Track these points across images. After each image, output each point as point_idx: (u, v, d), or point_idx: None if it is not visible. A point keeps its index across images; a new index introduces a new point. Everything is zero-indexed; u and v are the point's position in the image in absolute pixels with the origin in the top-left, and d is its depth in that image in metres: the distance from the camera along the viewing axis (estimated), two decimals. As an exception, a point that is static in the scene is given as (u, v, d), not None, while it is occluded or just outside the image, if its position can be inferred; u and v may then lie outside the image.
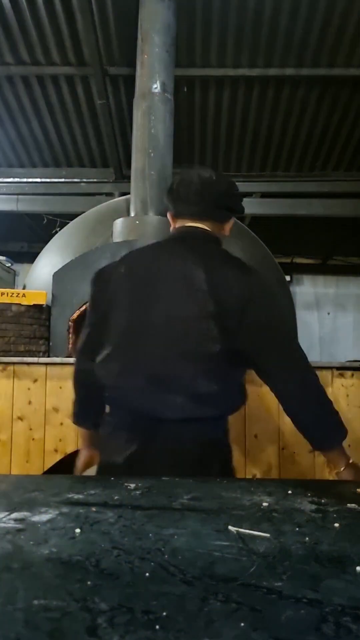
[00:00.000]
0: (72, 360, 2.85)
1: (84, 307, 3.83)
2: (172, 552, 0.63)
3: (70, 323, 3.84)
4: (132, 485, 0.97)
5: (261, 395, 2.21)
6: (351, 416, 2.53)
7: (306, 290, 8.67)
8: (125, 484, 0.99)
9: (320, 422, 1.33)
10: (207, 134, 6.09)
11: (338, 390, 2.54)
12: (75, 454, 1.53)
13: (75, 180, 6.59)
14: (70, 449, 2.53)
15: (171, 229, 1.49)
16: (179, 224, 1.46)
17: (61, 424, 2.56)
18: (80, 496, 0.90)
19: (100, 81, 5.22)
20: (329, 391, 2.54)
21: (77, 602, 0.49)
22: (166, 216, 1.50)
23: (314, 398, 1.32)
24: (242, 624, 0.45)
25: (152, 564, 0.59)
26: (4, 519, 0.75)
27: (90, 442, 1.60)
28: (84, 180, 6.59)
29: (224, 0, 4.64)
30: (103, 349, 1.35)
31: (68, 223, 5.17)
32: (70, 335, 3.85)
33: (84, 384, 1.47)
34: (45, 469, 2.53)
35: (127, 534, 0.70)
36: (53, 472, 2.49)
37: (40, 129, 6.05)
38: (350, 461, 1.29)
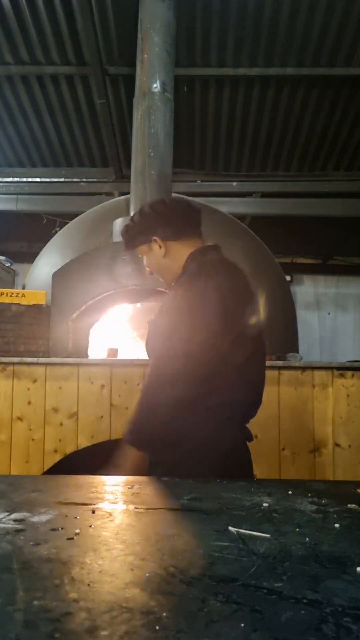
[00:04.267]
0: (76, 360, 2.86)
1: (83, 307, 3.83)
2: (172, 553, 0.63)
3: (70, 323, 3.84)
4: (132, 486, 0.97)
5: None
6: (351, 416, 2.53)
7: (306, 290, 8.67)
8: (125, 484, 0.99)
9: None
10: (207, 134, 6.09)
11: (338, 390, 2.55)
12: (75, 454, 1.52)
13: (75, 180, 6.59)
14: (70, 449, 2.53)
15: (180, 250, 1.54)
16: (191, 245, 1.54)
17: (61, 424, 2.56)
18: (80, 497, 0.90)
19: (100, 81, 5.22)
20: (329, 391, 2.55)
21: (77, 602, 0.49)
22: None
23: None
24: (242, 625, 0.45)
25: (152, 564, 0.59)
26: (4, 519, 0.75)
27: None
28: (84, 180, 6.59)
29: (224, 0, 4.64)
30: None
31: (68, 223, 5.17)
32: (70, 336, 3.85)
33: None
34: (45, 469, 2.53)
35: (127, 535, 0.70)
36: (53, 472, 2.49)
37: (40, 128, 6.05)
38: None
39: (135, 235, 1.59)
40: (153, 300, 3.99)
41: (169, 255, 1.55)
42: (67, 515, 0.77)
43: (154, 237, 1.54)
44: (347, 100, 5.64)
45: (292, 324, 4.61)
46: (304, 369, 2.57)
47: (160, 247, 1.54)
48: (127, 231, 1.61)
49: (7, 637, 0.42)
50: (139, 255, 1.62)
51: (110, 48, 5.13)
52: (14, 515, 0.76)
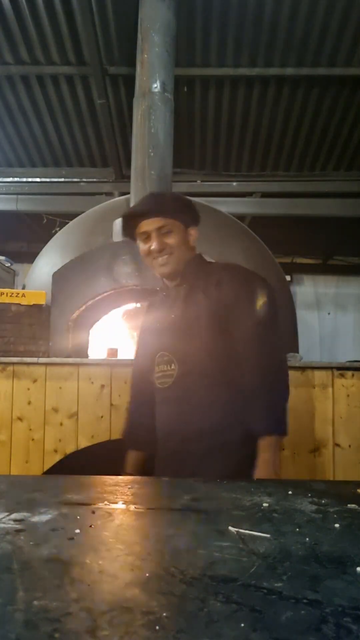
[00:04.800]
0: (76, 360, 2.86)
1: (83, 307, 3.83)
2: (172, 553, 0.63)
3: (69, 323, 3.83)
4: (132, 486, 0.97)
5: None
6: (351, 416, 2.53)
7: (306, 290, 8.67)
8: (126, 484, 0.99)
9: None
10: (207, 134, 6.09)
11: (338, 390, 2.55)
12: (75, 454, 1.53)
13: (75, 180, 6.59)
14: (70, 449, 2.53)
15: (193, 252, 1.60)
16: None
17: (61, 424, 2.56)
18: (80, 497, 0.90)
19: (100, 81, 5.22)
20: (329, 391, 2.55)
21: (77, 602, 0.49)
22: None
23: None
24: (242, 625, 0.45)
25: (152, 564, 0.59)
26: (4, 520, 0.75)
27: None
28: (84, 180, 6.59)
29: (224, 0, 4.64)
30: None
31: (68, 223, 5.17)
32: (70, 336, 3.85)
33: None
34: (45, 469, 2.53)
35: (127, 535, 0.70)
36: (53, 472, 2.49)
37: (40, 128, 6.05)
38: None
39: (182, 209, 1.56)
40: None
41: (191, 252, 1.57)
42: (67, 515, 0.77)
43: (195, 227, 1.57)
44: (347, 100, 5.64)
45: (293, 324, 4.61)
46: (304, 369, 2.58)
47: (194, 239, 1.57)
48: (177, 199, 1.60)
49: (7, 637, 0.42)
50: (162, 229, 1.52)
51: (110, 48, 5.13)
52: (14, 515, 0.76)
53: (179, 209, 1.55)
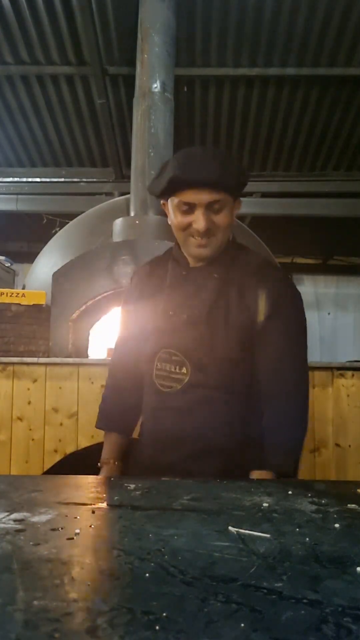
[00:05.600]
0: (76, 360, 2.85)
1: (83, 307, 3.83)
2: (172, 553, 0.63)
3: (69, 323, 3.83)
4: (132, 486, 0.97)
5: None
6: (351, 416, 2.53)
7: (306, 290, 8.66)
8: (125, 484, 0.99)
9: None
10: (207, 134, 6.09)
11: (338, 390, 2.55)
12: (75, 454, 1.52)
13: (75, 180, 6.59)
14: (69, 449, 2.53)
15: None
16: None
17: (61, 424, 2.56)
18: (80, 497, 0.90)
19: (100, 81, 5.22)
20: (329, 391, 2.55)
21: (77, 602, 0.49)
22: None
23: None
24: (242, 625, 0.45)
25: (152, 564, 0.59)
26: (4, 520, 0.75)
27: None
28: (84, 180, 6.59)
29: (224, 0, 4.64)
30: None
31: (68, 223, 5.17)
32: (70, 336, 3.85)
33: None
34: (45, 469, 2.53)
35: (127, 535, 0.70)
36: (53, 472, 2.49)
37: (40, 128, 6.05)
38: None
39: (244, 183, 1.27)
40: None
41: (230, 231, 1.30)
42: (67, 515, 0.77)
43: (241, 199, 1.30)
44: (347, 100, 5.64)
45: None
46: (304, 369, 2.57)
47: (237, 213, 1.29)
48: (243, 172, 1.28)
49: (7, 637, 0.42)
50: (214, 205, 1.20)
51: (110, 48, 5.13)
52: (14, 515, 0.76)
53: (242, 184, 1.26)
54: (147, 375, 1.33)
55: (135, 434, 1.47)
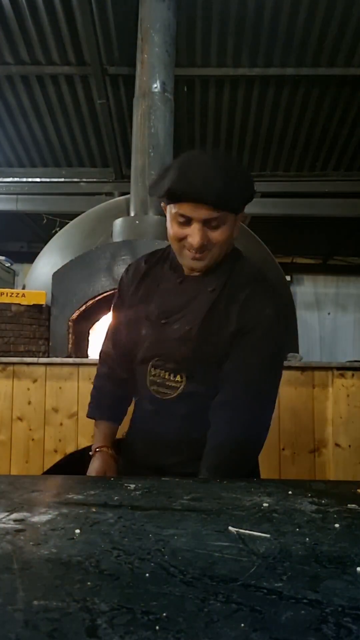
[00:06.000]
0: (76, 360, 2.85)
1: (83, 307, 3.83)
2: (172, 553, 0.63)
3: (69, 323, 3.84)
4: (132, 486, 0.97)
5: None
6: (351, 416, 2.53)
7: (306, 290, 8.67)
8: (125, 485, 0.98)
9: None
10: (207, 134, 6.09)
11: (338, 390, 2.55)
12: (75, 454, 1.51)
13: (75, 180, 6.59)
14: (70, 449, 2.53)
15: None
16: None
17: (61, 424, 2.56)
18: (80, 497, 0.90)
19: (100, 81, 5.22)
20: (329, 391, 2.55)
21: (77, 602, 0.49)
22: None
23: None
24: (242, 625, 0.45)
25: (152, 564, 0.59)
26: (4, 520, 0.75)
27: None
28: (84, 180, 6.60)
29: (224, 1, 4.64)
30: None
31: (68, 223, 5.18)
32: (71, 336, 3.85)
33: None
34: (45, 469, 2.53)
35: (127, 535, 0.70)
36: (53, 472, 2.49)
37: (40, 128, 6.06)
38: None
39: (248, 200, 1.19)
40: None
41: (231, 244, 1.25)
42: (67, 515, 0.77)
43: (243, 212, 1.23)
44: (347, 100, 5.64)
45: (292, 324, 4.61)
46: (304, 369, 2.57)
47: (239, 225, 1.24)
48: (247, 189, 1.19)
49: (7, 637, 0.42)
50: (211, 222, 1.15)
51: (110, 48, 5.13)
52: (14, 515, 0.76)
53: (244, 202, 1.19)
54: (140, 379, 1.31)
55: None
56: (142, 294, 1.33)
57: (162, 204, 1.25)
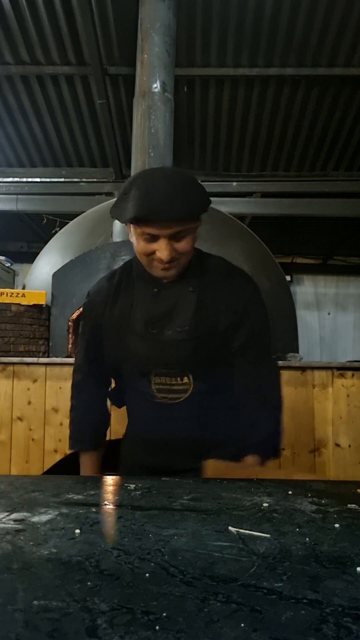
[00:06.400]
0: (72, 360, 2.85)
1: (82, 308, 3.83)
2: (172, 553, 0.63)
3: (70, 323, 3.83)
4: (132, 486, 0.97)
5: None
6: (351, 416, 2.53)
7: (306, 290, 8.68)
8: (125, 484, 0.99)
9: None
10: (207, 134, 6.09)
11: (338, 390, 2.55)
12: (75, 454, 1.51)
13: (75, 180, 6.59)
14: (70, 449, 2.53)
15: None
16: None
17: (61, 424, 2.56)
18: (80, 497, 0.90)
19: (100, 81, 5.22)
20: (329, 391, 2.55)
21: (77, 602, 0.49)
22: None
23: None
24: (242, 625, 0.45)
25: (152, 564, 0.59)
26: (4, 520, 0.75)
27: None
28: (84, 180, 6.60)
29: (224, 0, 4.64)
30: None
31: (68, 223, 5.18)
32: (70, 336, 3.85)
33: None
34: (45, 469, 2.53)
35: (127, 535, 0.70)
36: (53, 472, 2.49)
37: (40, 128, 6.06)
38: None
39: (203, 207, 1.20)
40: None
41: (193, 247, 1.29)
42: (67, 515, 0.77)
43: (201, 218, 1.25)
44: (347, 100, 5.64)
45: (292, 324, 4.61)
46: (304, 369, 2.57)
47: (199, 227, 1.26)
48: (202, 194, 1.21)
49: (7, 637, 0.42)
50: (177, 235, 1.18)
51: (110, 48, 5.13)
52: (14, 515, 0.76)
53: (204, 209, 1.21)
54: (139, 390, 1.32)
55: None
56: (117, 311, 1.33)
57: (126, 224, 1.26)
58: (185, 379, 1.27)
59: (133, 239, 1.24)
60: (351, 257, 8.55)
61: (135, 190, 1.17)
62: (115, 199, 1.28)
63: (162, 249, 1.18)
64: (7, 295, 3.77)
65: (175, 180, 1.19)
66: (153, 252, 1.20)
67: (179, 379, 1.27)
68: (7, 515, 0.76)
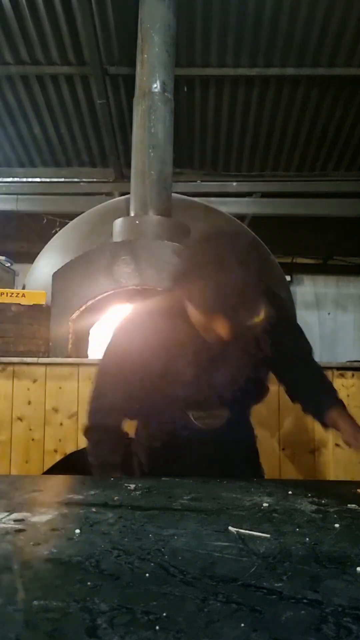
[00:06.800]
0: (76, 360, 2.85)
1: (83, 307, 3.82)
2: (172, 553, 0.63)
3: (69, 323, 3.83)
4: (132, 486, 0.97)
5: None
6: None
7: (306, 290, 8.66)
8: (125, 485, 0.98)
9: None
10: (207, 134, 6.09)
11: (338, 390, 2.54)
12: (75, 454, 1.51)
13: (75, 180, 6.59)
14: (70, 449, 2.53)
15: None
16: None
17: (61, 424, 2.56)
18: (80, 497, 0.90)
19: (100, 81, 5.22)
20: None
21: (77, 602, 0.49)
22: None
23: None
24: (242, 625, 0.45)
25: (152, 564, 0.59)
26: (4, 520, 0.75)
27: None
28: (84, 180, 6.59)
29: (224, 0, 4.64)
30: None
31: (68, 223, 5.17)
32: (70, 336, 3.85)
33: None
34: (45, 469, 2.53)
35: (127, 535, 0.70)
36: (53, 472, 2.49)
37: (40, 128, 6.05)
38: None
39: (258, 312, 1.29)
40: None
41: None
42: (67, 515, 0.77)
43: None
44: (347, 100, 5.64)
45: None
46: (304, 369, 2.57)
47: None
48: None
49: (7, 637, 0.42)
50: None
51: (110, 48, 5.13)
52: (14, 515, 0.76)
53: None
54: (173, 415, 1.30)
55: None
56: (164, 335, 1.30)
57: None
58: (223, 408, 1.31)
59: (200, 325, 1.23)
60: (351, 257, 8.53)
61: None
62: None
63: (221, 330, 1.18)
64: (7, 295, 3.76)
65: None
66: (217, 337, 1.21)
67: (217, 409, 1.31)
68: (7, 515, 0.76)
